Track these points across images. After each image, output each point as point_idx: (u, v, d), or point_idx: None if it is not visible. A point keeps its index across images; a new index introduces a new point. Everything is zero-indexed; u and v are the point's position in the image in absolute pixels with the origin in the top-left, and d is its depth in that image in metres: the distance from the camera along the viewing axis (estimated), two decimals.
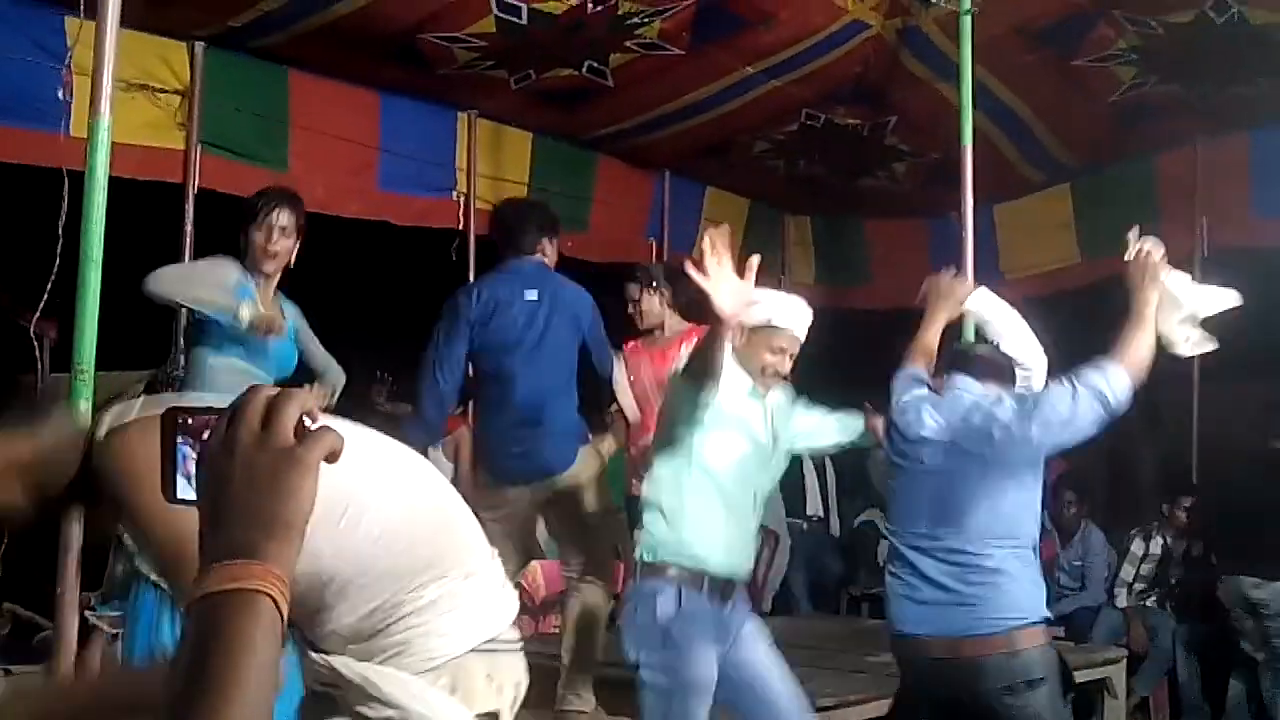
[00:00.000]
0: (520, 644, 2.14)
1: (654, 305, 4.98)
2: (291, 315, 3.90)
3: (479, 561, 2.11)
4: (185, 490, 1.06)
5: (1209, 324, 3.44)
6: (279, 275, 3.82)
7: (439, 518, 2.10)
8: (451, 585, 2.02)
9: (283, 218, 3.72)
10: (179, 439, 1.06)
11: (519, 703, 2.12)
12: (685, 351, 4.73)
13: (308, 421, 0.99)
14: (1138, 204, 7.21)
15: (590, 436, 4.64)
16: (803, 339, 3.51)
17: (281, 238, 3.73)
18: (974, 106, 4.80)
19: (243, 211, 3.79)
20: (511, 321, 4.44)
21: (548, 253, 4.63)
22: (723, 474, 3.36)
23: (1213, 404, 6.95)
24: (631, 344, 5.09)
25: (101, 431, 2.06)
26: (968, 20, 4.71)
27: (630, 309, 5.03)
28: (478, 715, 2.01)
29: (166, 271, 3.66)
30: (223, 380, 3.55)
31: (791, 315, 3.49)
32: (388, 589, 1.97)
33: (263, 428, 0.97)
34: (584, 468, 4.46)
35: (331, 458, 0.98)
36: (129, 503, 1.97)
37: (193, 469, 1.05)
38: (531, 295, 4.46)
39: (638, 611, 3.29)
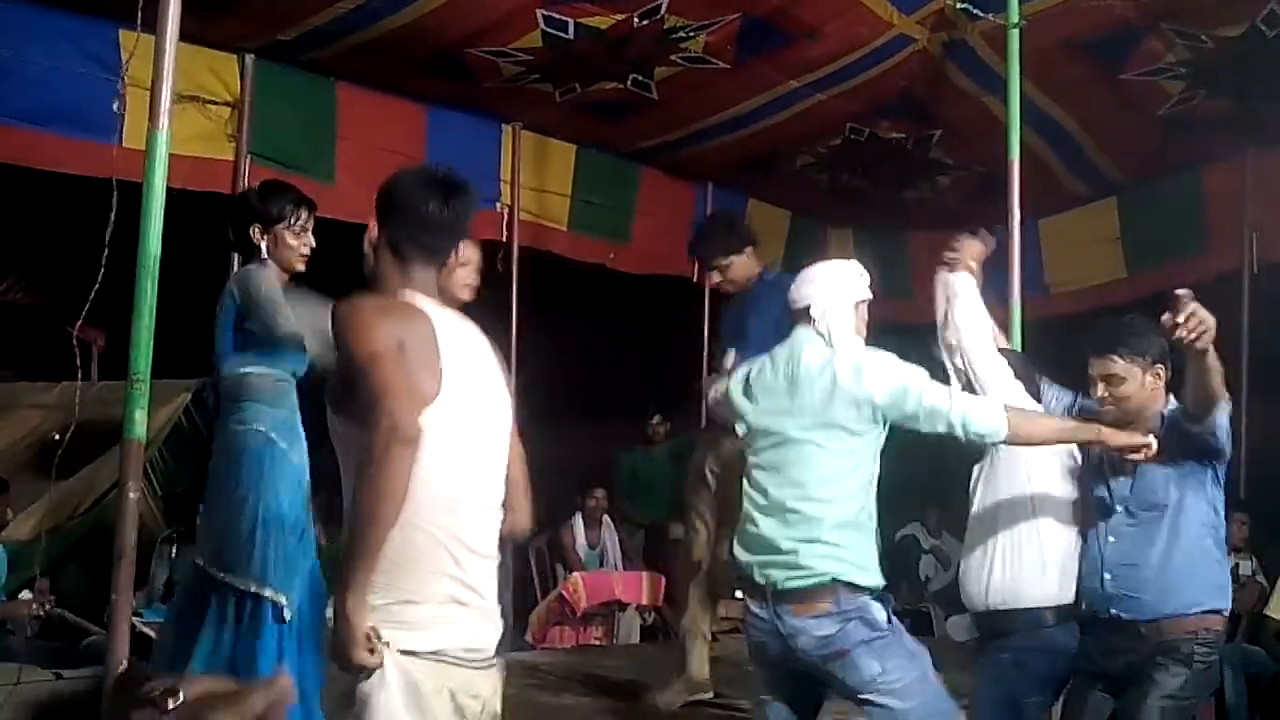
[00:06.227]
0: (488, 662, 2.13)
1: None
2: None
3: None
4: None
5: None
6: None
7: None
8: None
9: (309, 220, 3.61)
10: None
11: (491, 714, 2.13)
12: None
13: None
14: (1185, 218, 7.15)
15: None
16: None
17: (310, 239, 3.62)
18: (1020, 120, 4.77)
19: (252, 206, 3.59)
20: None
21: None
22: None
23: (1262, 421, 6.85)
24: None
25: None
26: (1016, 34, 4.67)
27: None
28: None
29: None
30: (268, 389, 3.51)
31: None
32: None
33: None
34: None
35: None
36: None
37: None
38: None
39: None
